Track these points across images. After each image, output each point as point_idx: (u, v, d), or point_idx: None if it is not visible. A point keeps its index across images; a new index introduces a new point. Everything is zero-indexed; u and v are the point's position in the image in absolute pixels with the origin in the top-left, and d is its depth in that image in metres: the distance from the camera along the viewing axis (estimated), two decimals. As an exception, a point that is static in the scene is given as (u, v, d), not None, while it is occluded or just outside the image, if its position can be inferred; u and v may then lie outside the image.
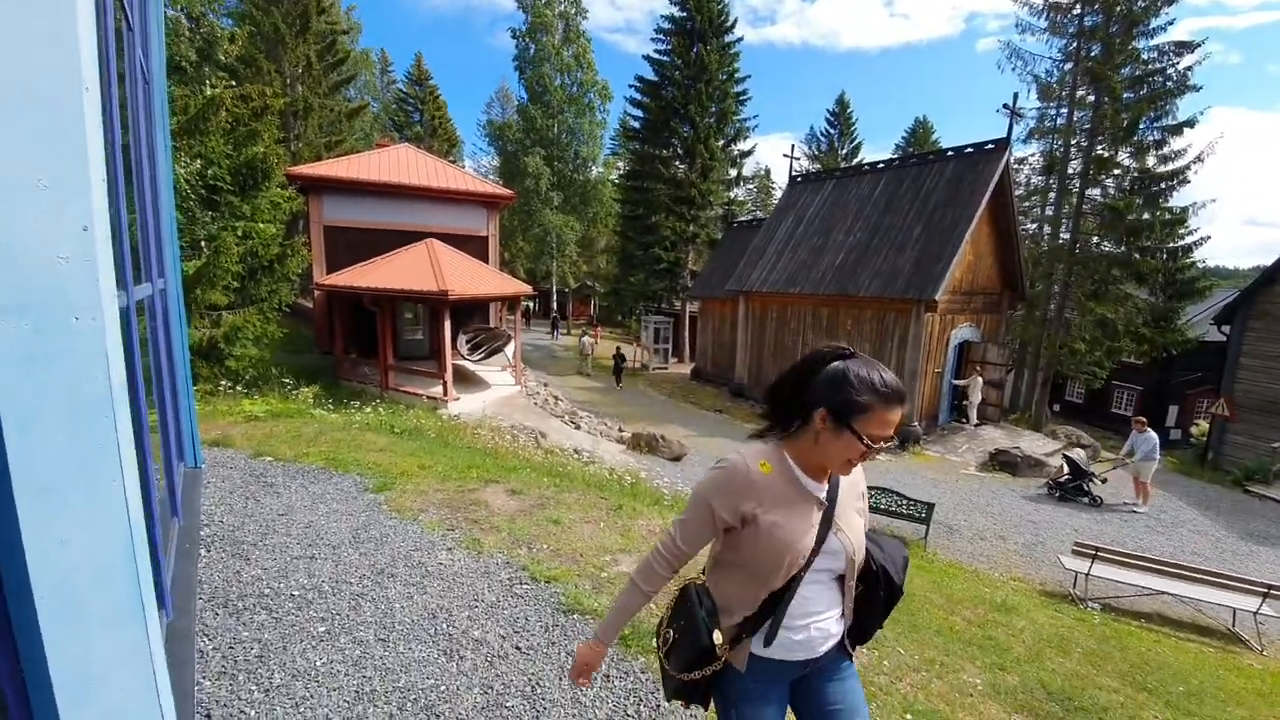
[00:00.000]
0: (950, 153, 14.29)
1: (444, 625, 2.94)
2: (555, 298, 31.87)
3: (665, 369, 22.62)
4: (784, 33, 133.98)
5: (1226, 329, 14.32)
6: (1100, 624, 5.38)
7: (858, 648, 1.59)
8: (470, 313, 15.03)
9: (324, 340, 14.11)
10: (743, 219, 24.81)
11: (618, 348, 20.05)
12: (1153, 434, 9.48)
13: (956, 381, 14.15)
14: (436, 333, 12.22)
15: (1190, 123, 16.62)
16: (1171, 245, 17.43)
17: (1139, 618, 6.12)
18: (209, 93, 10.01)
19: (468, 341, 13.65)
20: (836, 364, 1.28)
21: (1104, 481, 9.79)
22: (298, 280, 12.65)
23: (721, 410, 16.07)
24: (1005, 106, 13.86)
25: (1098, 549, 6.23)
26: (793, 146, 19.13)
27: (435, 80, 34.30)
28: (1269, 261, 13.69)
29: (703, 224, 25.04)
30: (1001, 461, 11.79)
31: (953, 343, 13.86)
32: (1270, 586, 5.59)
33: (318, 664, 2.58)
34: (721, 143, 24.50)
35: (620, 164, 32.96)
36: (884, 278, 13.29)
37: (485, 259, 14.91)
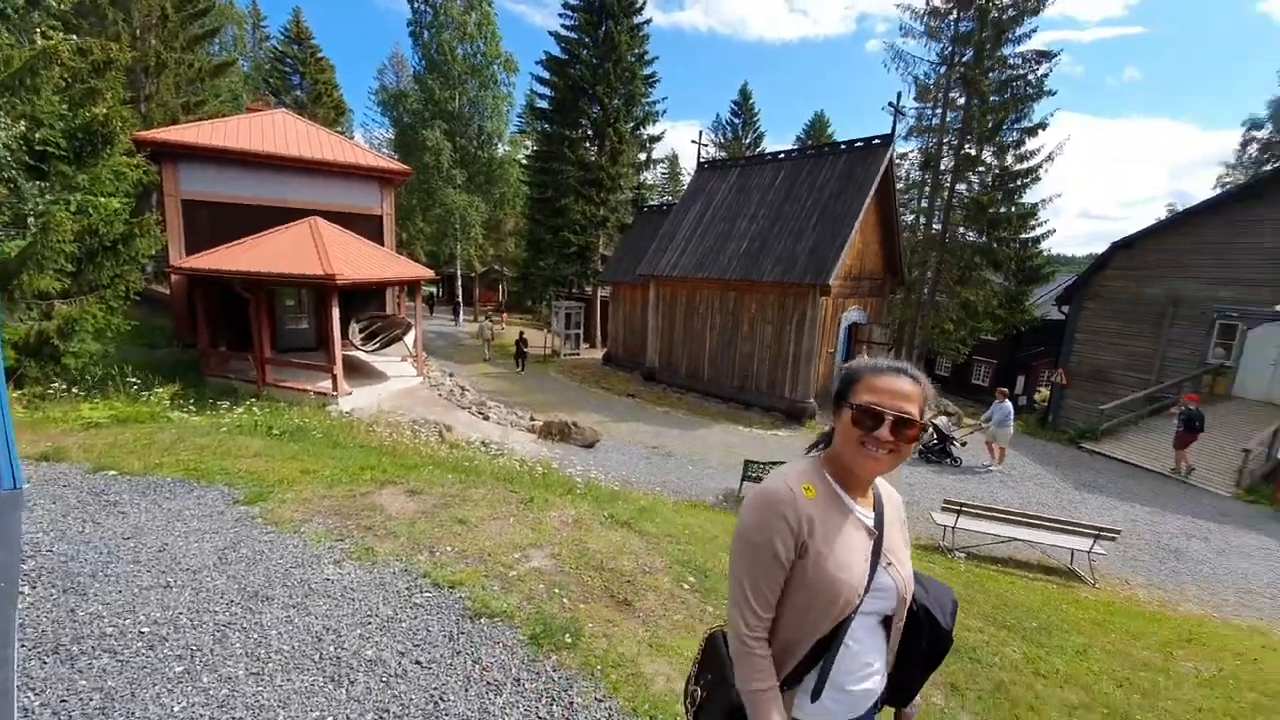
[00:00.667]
0: (843, 146, 15.21)
1: (331, 648, 2.69)
2: (460, 283, 30.37)
3: (577, 355, 22.44)
4: (692, 19, 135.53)
5: (1065, 308, 16.61)
6: (965, 570, 6.08)
7: (903, 710, 1.39)
8: (364, 299, 13.93)
9: (185, 332, 12.44)
10: (653, 203, 24.99)
11: (520, 333, 19.69)
12: (1009, 404, 10.81)
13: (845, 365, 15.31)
14: (324, 321, 11.21)
15: (1043, 125, 18.89)
16: (1024, 236, 19.87)
17: (996, 563, 7.00)
18: (39, 44, 8.33)
19: (361, 330, 12.66)
20: None
21: (964, 445, 11.07)
22: (150, 263, 11.00)
23: (634, 395, 16.23)
24: (890, 105, 14.97)
25: (963, 505, 7.02)
26: (700, 133, 19.58)
27: (318, 41, 31.04)
28: (1100, 250, 16.02)
29: (613, 207, 24.91)
30: (887, 432, 12.93)
31: (843, 324, 14.93)
32: (1100, 529, 6.59)
33: (175, 710, 2.25)
34: (631, 126, 24.40)
35: (528, 143, 31.85)
36: (784, 264, 13.97)
37: (380, 240, 13.83)
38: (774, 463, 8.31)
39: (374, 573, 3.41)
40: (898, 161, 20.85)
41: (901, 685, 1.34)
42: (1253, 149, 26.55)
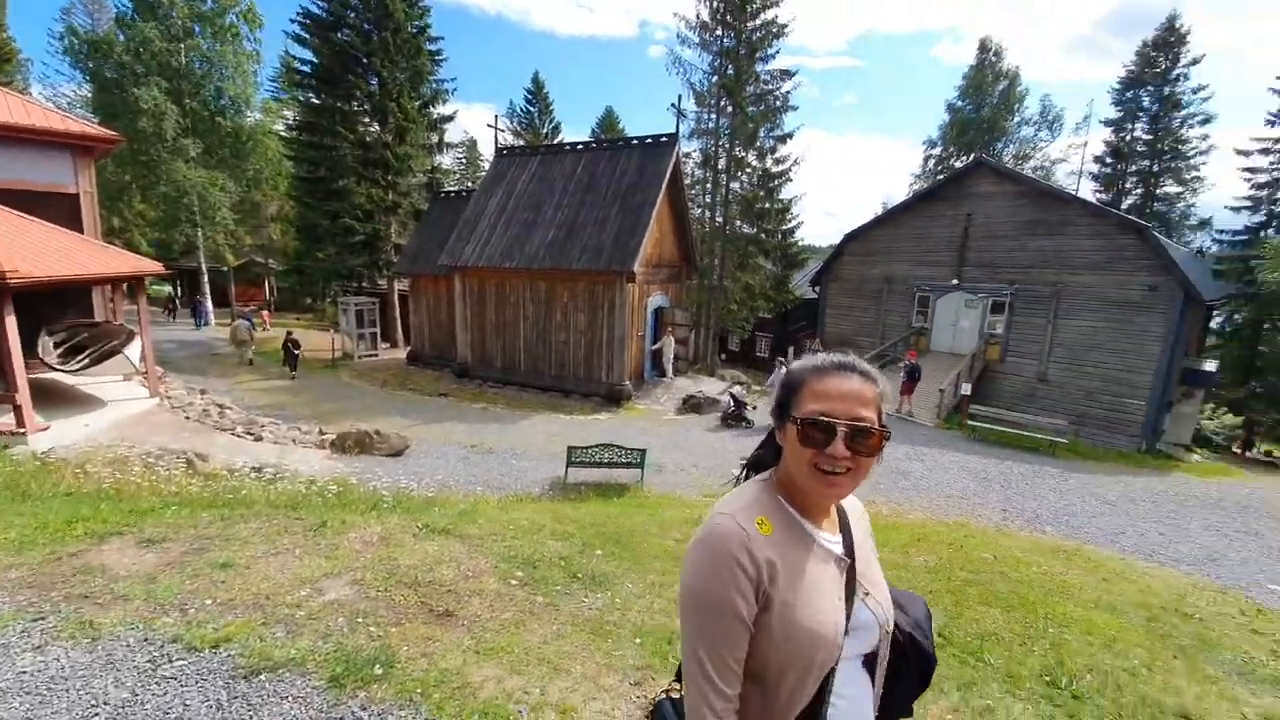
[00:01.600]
0: (636, 141, 16.04)
1: (27, 765, 1.98)
2: (207, 279, 24.83)
3: (375, 356, 20.14)
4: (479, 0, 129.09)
5: (817, 288, 20.02)
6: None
7: None
8: (58, 303, 10.52)
9: None
10: (451, 189, 23.41)
11: (288, 333, 16.98)
12: (783, 370, 12.70)
13: (653, 347, 16.38)
14: (-14, 335, 8.16)
15: (791, 135, 22.27)
16: (784, 228, 23.35)
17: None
18: None
19: (57, 344, 9.57)
20: None
21: (754, 409, 12.75)
22: None
23: (446, 394, 15.19)
24: (672, 106, 16.19)
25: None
26: (496, 117, 18.73)
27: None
28: (838, 241, 19.56)
29: (404, 192, 22.74)
30: (691, 404, 14.21)
31: (649, 309, 15.91)
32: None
33: None
34: (418, 104, 22.41)
35: (289, 113, 27.18)
36: (591, 252, 14.30)
37: (78, 226, 10.52)
38: (600, 445, 8.52)
39: (97, 651, 2.61)
40: (684, 159, 22.80)
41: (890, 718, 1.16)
42: (931, 162, 34.99)
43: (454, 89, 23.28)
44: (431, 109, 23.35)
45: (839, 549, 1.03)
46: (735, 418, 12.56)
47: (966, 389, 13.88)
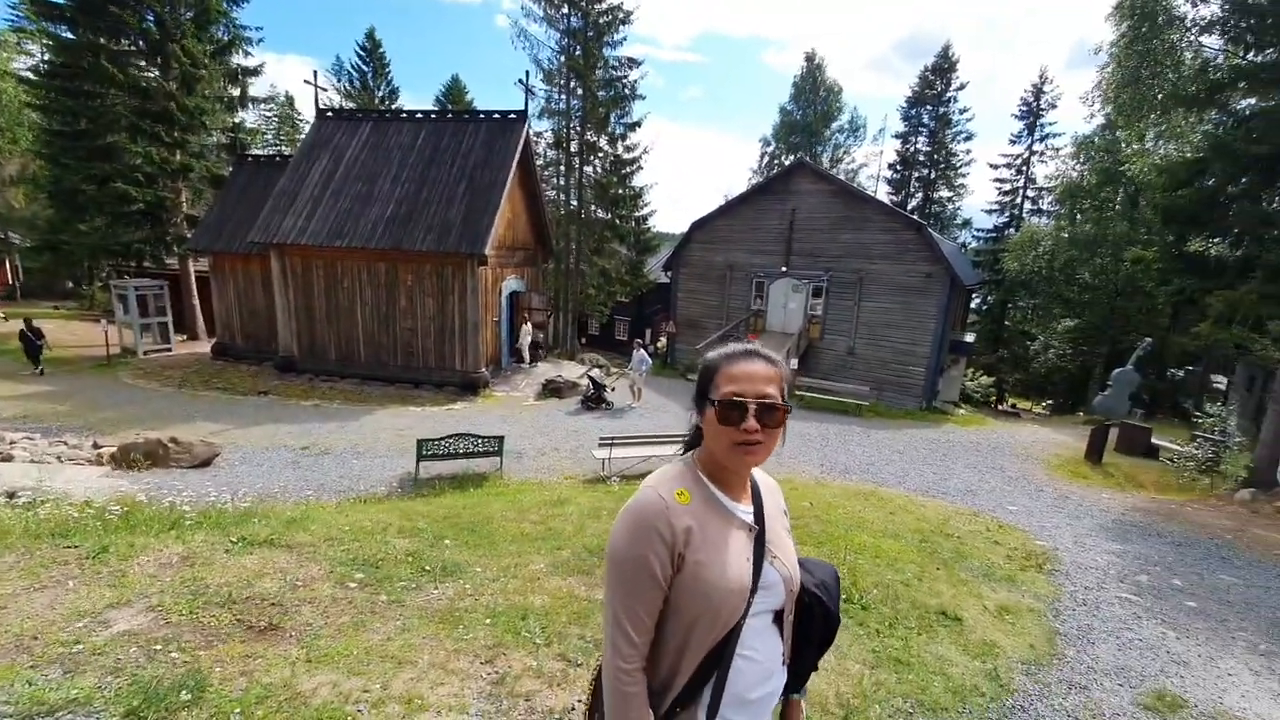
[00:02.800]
0: (482, 115, 15.29)
1: None
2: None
3: (168, 351, 16.91)
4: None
5: (669, 273, 21.03)
6: (619, 490, 7.31)
7: (793, 696, 1.33)
8: None
9: None
10: (262, 153, 20.25)
11: (26, 321, 13.63)
12: (643, 351, 13.22)
13: (517, 345, 15.97)
14: None
15: (640, 123, 22.89)
16: (638, 214, 24.10)
17: (642, 477, 8.63)
18: None
19: None
20: None
21: (614, 390, 13.16)
22: None
23: (266, 392, 13.33)
24: (520, 81, 15.71)
25: (614, 439, 8.37)
26: (315, 74, 16.51)
27: None
28: (687, 229, 20.69)
29: (196, 153, 19.20)
30: (551, 389, 14.20)
31: (504, 293, 15.46)
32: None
33: None
34: (210, 49, 18.89)
35: (37, 50, 21.24)
36: (437, 232, 13.43)
37: None
38: (453, 436, 8.16)
39: None
40: (535, 139, 22.29)
41: (796, 672, 1.29)
42: (766, 159, 38.38)
43: (260, 38, 20.01)
44: (229, 57, 19.85)
45: (750, 518, 1.15)
46: (595, 400, 12.83)
47: (794, 364, 15.71)
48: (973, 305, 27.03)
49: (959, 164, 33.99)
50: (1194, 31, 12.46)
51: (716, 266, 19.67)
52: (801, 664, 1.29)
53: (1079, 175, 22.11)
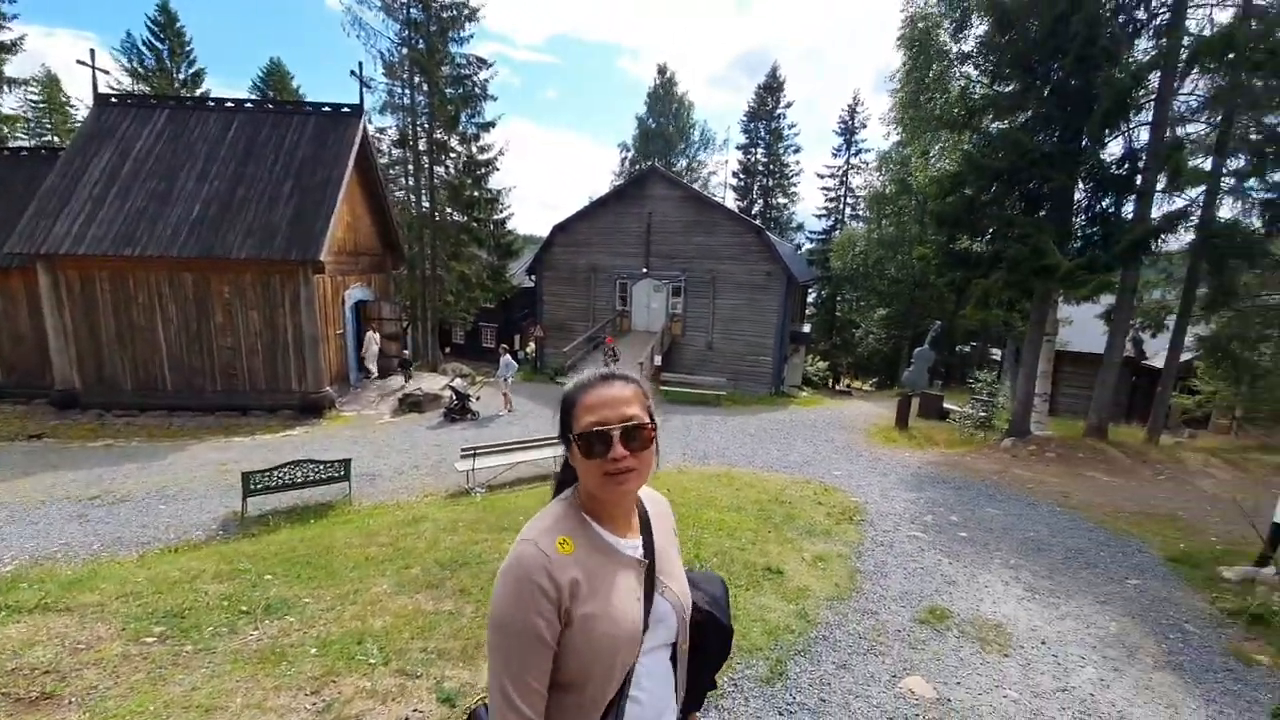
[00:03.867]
0: (310, 108, 13.94)
1: None
2: None
3: (-120, 393, 13.09)
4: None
5: (533, 277, 20.85)
6: (482, 501, 7.16)
7: (694, 714, 1.30)
8: None
9: None
10: (25, 144, 16.44)
11: None
12: (508, 357, 12.97)
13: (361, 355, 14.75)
14: None
15: (493, 123, 22.37)
16: (496, 217, 23.54)
17: (509, 485, 8.52)
18: None
19: None
20: None
21: (479, 399, 12.78)
22: None
23: (40, 435, 10.93)
24: (354, 72, 14.55)
25: (476, 448, 8.16)
26: (93, 52, 13.82)
27: None
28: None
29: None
30: (410, 404, 13.38)
31: (348, 303, 14.23)
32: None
33: None
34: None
35: None
36: (260, 236, 11.97)
37: None
38: (289, 464, 7.36)
39: None
40: (378, 136, 20.77)
41: (696, 690, 1.26)
42: (626, 164, 39.53)
43: (15, 14, 16.28)
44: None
45: (639, 553, 1.07)
46: (460, 411, 12.34)
47: (659, 360, 16.49)
48: (809, 299, 30.35)
49: (791, 174, 37.92)
50: (957, 63, 15.27)
51: (580, 269, 19.93)
52: (700, 682, 1.26)
53: (882, 185, 25.91)
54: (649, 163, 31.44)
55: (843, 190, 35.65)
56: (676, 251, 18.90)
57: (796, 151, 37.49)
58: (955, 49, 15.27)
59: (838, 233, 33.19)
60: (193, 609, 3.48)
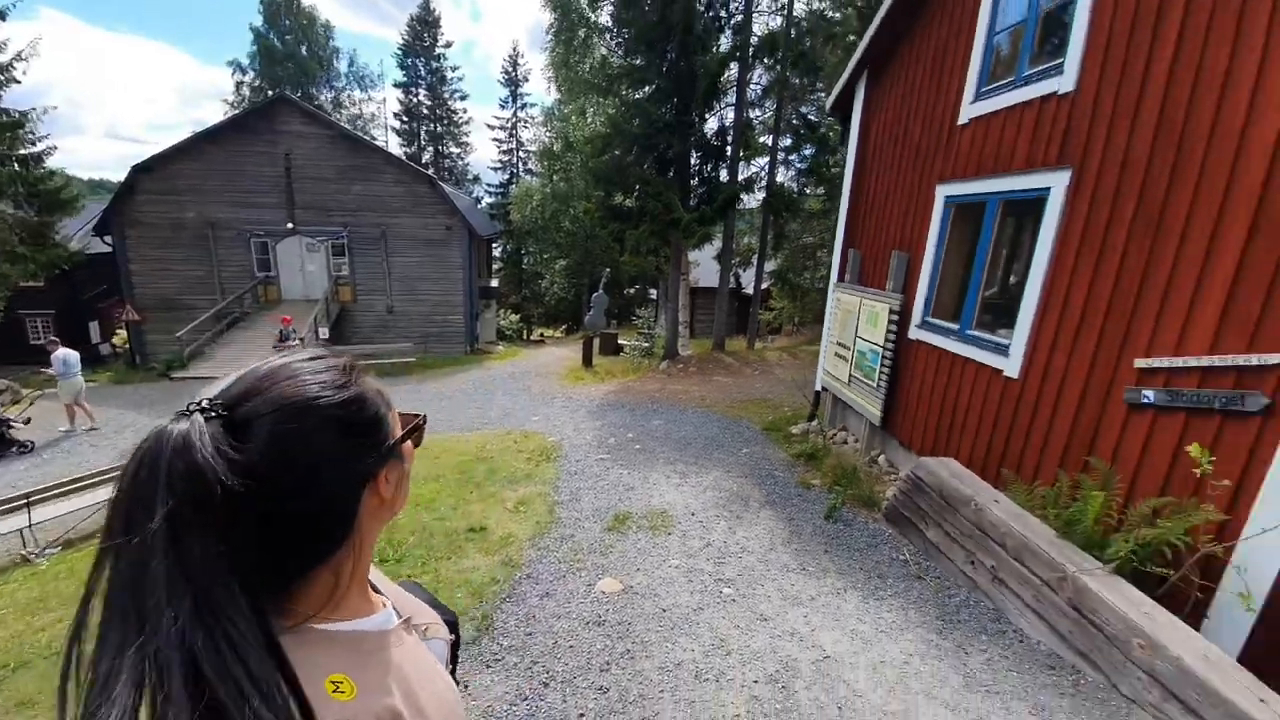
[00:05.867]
0: None
1: None
2: None
3: None
4: None
5: (109, 239, 14.97)
6: (49, 569, 5.04)
7: None
8: None
9: None
10: None
11: None
12: (66, 350, 9.05)
13: None
14: None
15: (3, 14, 14.42)
16: (21, 153, 15.75)
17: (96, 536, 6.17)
18: None
19: None
20: None
21: (27, 422, 8.75)
22: None
23: None
24: None
25: (28, 495, 5.60)
26: None
27: None
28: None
29: None
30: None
31: None
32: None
33: None
34: None
35: None
36: None
37: None
38: None
39: None
40: None
41: None
42: (245, 90, 31.03)
43: None
44: None
45: (394, 614, 0.76)
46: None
47: (325, 332, 14.12)
48: (496, 254, 30.31)
49: (460, 121, 36.28)
50: (596, 33, 16.59)
51: (189, 225, 15.22)
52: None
53: (550, 141, 27.09)
54: (280, 90, 25.50)
55: (514, 143, 35.94)
56: (333, 203, 16.15)
57: (464, 99, 35.85)
58: (594, 18, 16.53)
59: (514, 187, 33.62)
60: None
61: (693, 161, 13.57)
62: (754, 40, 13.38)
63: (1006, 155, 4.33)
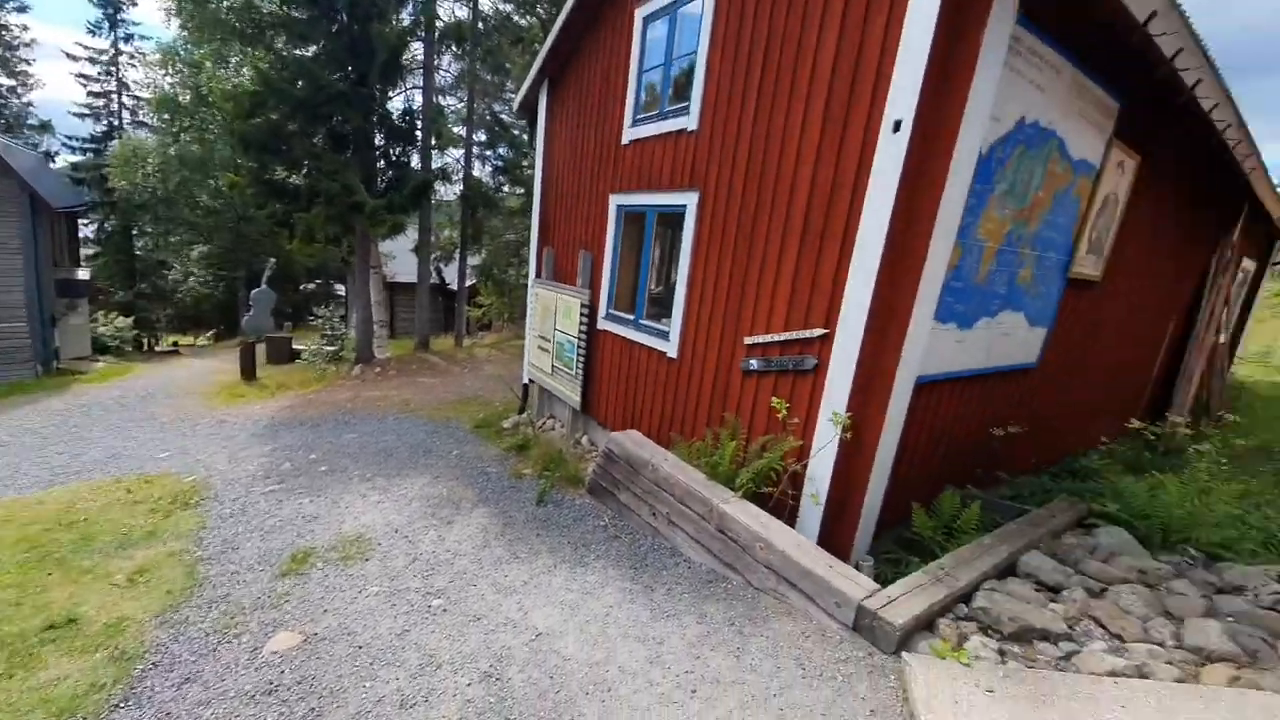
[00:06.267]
0: None
1: None
2: None
3: None
4: None
5: None
6: None
7: None
8: None
9: None
10: None
11: None
12: None
13: None
14: None
15: None
16: None
17: None
18: None
19: None
20: None
21: None
22: None
23: None
24: None
25: None
26: None
27: None
28: None
29: None
30: None
31: None
32: None
33: None
34: None
35: None
36: None
37: None
38: None
39: None
40: None
41: None
42: None
43: None
44: None
45: None
46: None
47: None
48: (86, 234, 21.88)
49: (15, 42, 24.71)
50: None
51: None
52: None
53: (172, 89, 20.68)
54: None
55: (115, 85, 26.22)
56: None
57: (22, 10, 24.37)
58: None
59: (115, 143, 24.72)
60: None
61: (378, 142, 12.24)
62: (440, 25, 12.78)
63: (658, 175, 5.18)
